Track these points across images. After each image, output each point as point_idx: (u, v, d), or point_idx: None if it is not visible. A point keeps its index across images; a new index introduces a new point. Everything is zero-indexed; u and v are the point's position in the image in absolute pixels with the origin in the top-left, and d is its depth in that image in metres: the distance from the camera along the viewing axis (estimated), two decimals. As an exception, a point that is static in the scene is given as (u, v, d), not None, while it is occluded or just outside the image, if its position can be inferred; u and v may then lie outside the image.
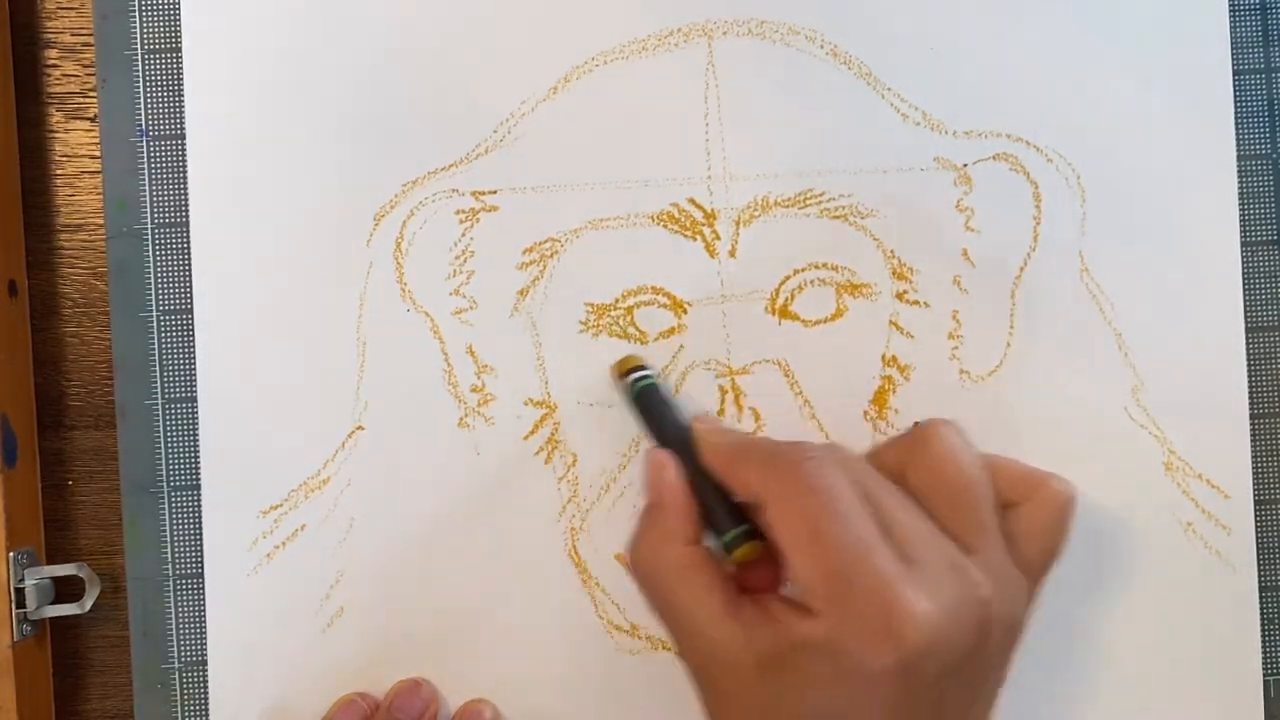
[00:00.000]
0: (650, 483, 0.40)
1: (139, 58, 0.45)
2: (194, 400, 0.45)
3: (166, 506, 0.45)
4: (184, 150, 0.45)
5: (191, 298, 0.45)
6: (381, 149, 0.45)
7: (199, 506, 0.44)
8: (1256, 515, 0.45)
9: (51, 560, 0.46)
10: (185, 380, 0.45)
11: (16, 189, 0.46)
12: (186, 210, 0.45)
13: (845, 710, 0.34)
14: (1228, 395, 0.45)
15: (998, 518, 0.37)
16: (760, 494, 0.36)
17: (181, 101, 0.45)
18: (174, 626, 0.45)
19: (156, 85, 0.45)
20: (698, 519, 0.39)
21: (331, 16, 0.45)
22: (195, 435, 0.44)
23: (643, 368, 0.43)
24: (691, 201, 0.45)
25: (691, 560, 0.38)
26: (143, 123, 0.45)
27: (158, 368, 0.45)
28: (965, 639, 0.34)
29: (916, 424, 0.39)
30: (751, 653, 0.35)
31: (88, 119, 0.46)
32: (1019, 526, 0.38)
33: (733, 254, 0.45)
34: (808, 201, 0.45)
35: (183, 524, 0.45)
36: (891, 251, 0.45)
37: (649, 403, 0.42)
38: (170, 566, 0.45)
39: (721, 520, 0.39)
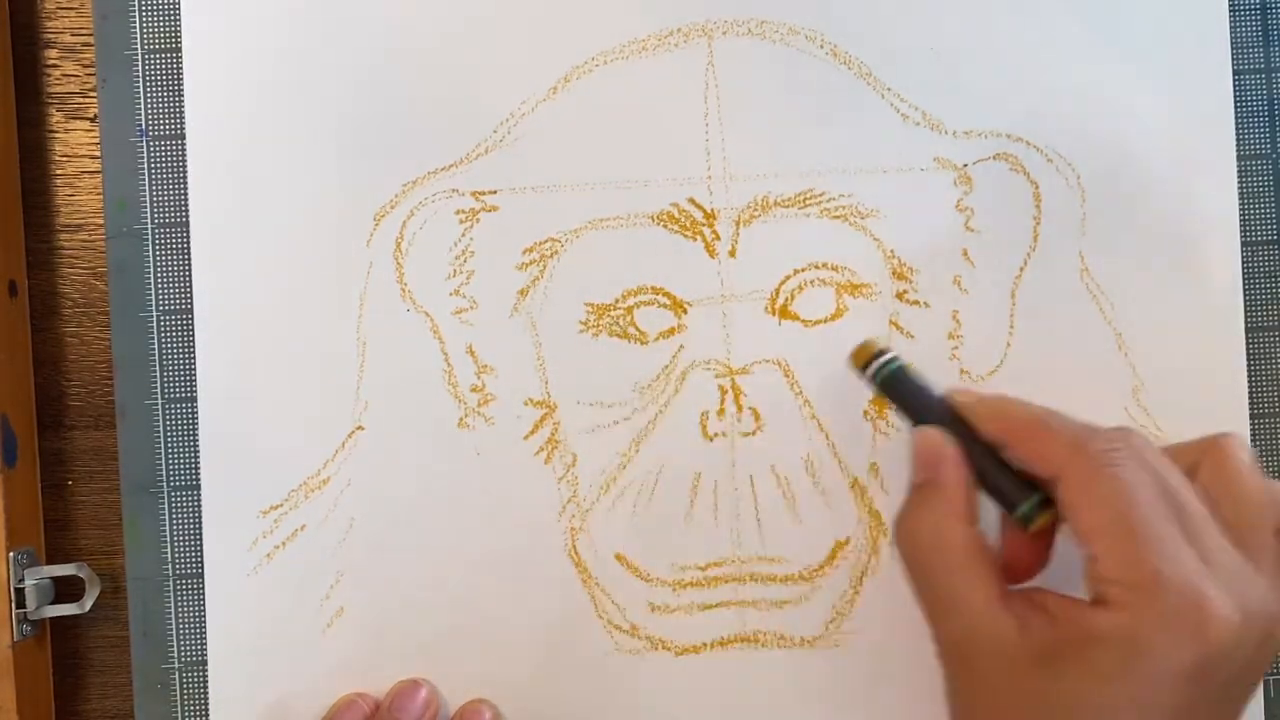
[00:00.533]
0: (925, 461, 0.39)
1: (139, 58, 0.45)
2: (194, 400, 0.45)
3: (166, 506, 0.45)
4: (184, 150, 0.45)
5: (191, 298, 0.45)
6: (381, 149, 0.45)
7: (199, 506, 0.44)
8: (1256, 515, 0.45)
9: (51, 560, 0.46)
10: (185, 380, 0.45)
11: (16, 189, 0.46)
12: (186, 210, 0.45)
13: (1127, 707, 0.33)
14: (1228, 395, 0.45)
15: (1277, 542, 0.37)
16: (1060, 472, 0.36)
17: (181, 101, 0.45)
18: (174, 626, 0.45)
19: (156, 85, 0.45)
20: (976, 499, 0.38)
21: (331, 16, 0.45)
22: (195, 435, 0.44)
23: (884, 351, 0.41)
24: (691, 201, 0.45)
25: (972, 544, 0.37)
26: (143, 123, 0.45)
27: (158, 368, 0.45)
28: (1254, 648, 0.34)
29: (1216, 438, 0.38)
30: (1027, 644, 0.35)
31: (88, 119, 0.46)
32: None
33: (733, 254, 0.45)
34: (808, 201, 0.45)
35: (183, 524, 0.45)
36: (891, 251, 0.45)
37: (902, 384, 0.40)
38: (170, 566, 0.45)
39: (1011, 490, 0.38)
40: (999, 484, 0.38)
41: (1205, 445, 0.38)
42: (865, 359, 0.41)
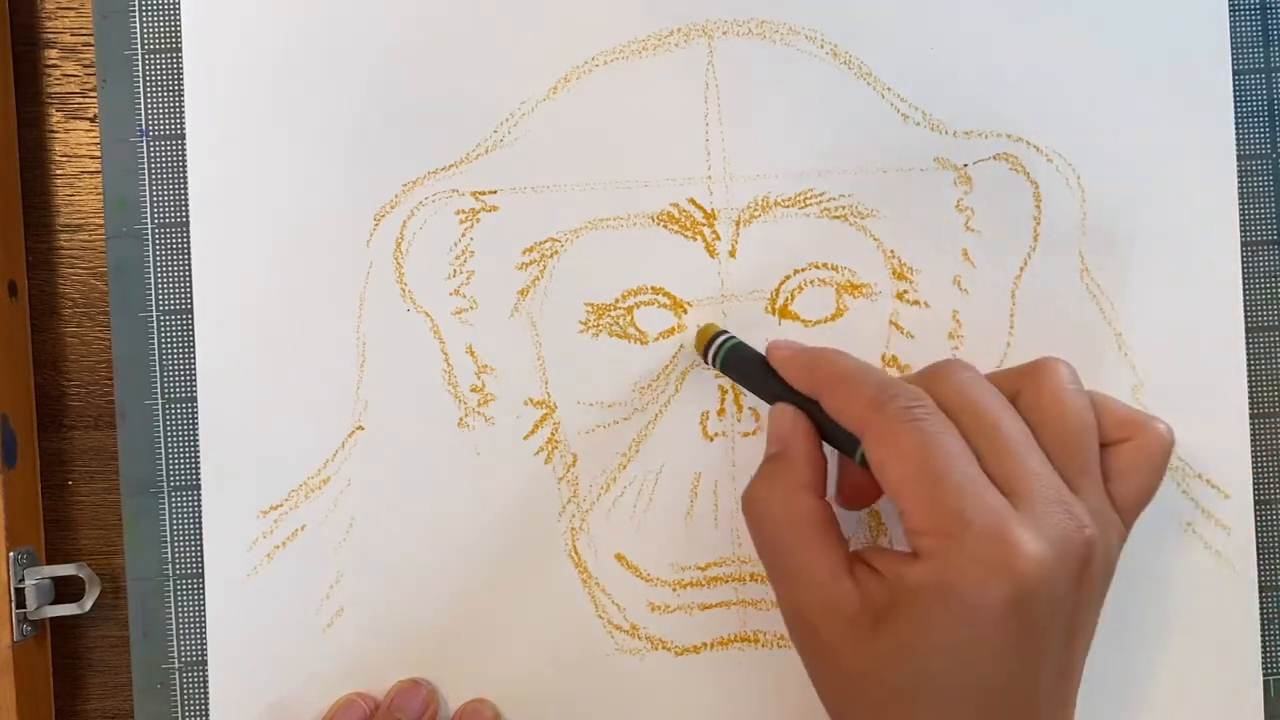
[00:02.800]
0: (775, 433, 0.40)
1: (139, 58, 0.45)
2: (194, 400, 0.45)
3: (166, 506, 0.45)
4: (184, 150, 0.45)
5: (191, 298, 0.45)
6: (381, 149, 0.45)
7: (199, 506, 0.44)
8: (1256, 515, 0.45)
9: (51, 560, 0.46)
10: (185, 380, 0.45)
11: (16, 189, 0.46)
12: (186, 210, 0.45)
13: (958, 652, 0.34)
14: (1228, 395, 0.45)
15: (1098, 462, 0.37)
16: (863, 429, 0.37)
17: (181, 101, 0.45)
18: (174, 626, 0.45)
19: (156, 85, 0.45)
20: (823, 471, 0.39)
21: (332, 17, 0.45)
22: (195, 435, 0.44)
23: (721, 332, 0.43)
24: (691, 201, 0.45)
25: (819, 515, 0.38)
26: (143, 123, 0.45)
27: (158, 368, 0.45)
28: (1071, 577, 0.34)
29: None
30: (868, 608, 0.35)
31: (88, 119, 0.46)
32: (1118, 465, 0.38)
33: (733, 254, 0.45)
34: (808, 201, 0.45)
35: (183, 524, 0.45)
36: (891, 251, 0.45)
37: (741, 361, 0.42)
38: (170, 566, 0.45)
39: (844, 439, 0.38)
40: (833, 432, 0.39)
41: (1027, 369, 0.39)
42: (705, 341, 0.43)
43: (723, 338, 0.43)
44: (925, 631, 0.34)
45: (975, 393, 0.37)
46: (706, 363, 0.43)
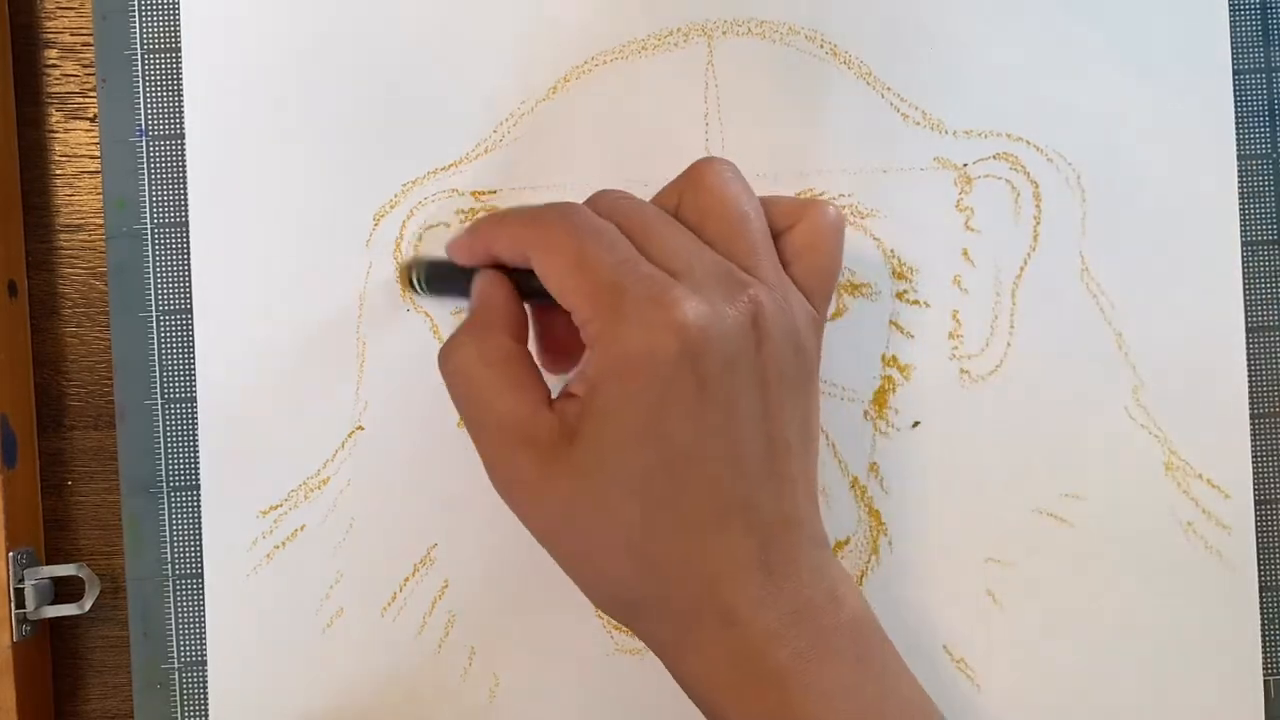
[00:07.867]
0: (475, 296, 0.39)
1: (139, 58, 0.45)
2: (194, 400, 0.45)
3: (166, 506, 0.45)
4: (184, 150, 0.45)
5: (191, 298, 0.45)
6: (381, 149, 0.45)
7: (199, 506, 0.44)
8: (1256, 515, 0.45)
9: (51, 560, 0.46)
10: (185, 380, 0.45)
11: (16, 189, 0.46)
12: (186, 210, 0.45)
13: (643, 424, 0.34)
14: (1228, 395, 0.45)
15: (771, 243, 0.38)
16: (526, 248, 0.37)
17: (181, 101, 0.45)
18: (174, 626, 0.45)
19: (156, 85, 0.45)
20: (524, 323, 0.38)
21: (331, 16, 0.45)
22: (195, 435, 0.44)
23: (411, 261, 0.43)
24: (691, 201, 0.45)
25: (519, 357, 0.37)
26: (143, 123, 0.45)
27: (158, 368, 0.45)
28: (740, 332, 0.35)
29: (694, 164, 0.39)
30: (565, 427, 0.35)
31: (88, 119, 0.46)
32: (792, 248, 0.38)
33: (733, 254, 0.45)
34: (808, 201, 0.45)
35: (183, 524, 0.45)
36: (891, 251, 0.45)
37: (438, 267, 0.41)
38: (170, 566, 0.45)
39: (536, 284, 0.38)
40: (529, 288, 0.38)
41: (683, 174, 0.39)
42: (406, 274, 0.43)
43: (416, 266, 0.42)
44: (609, 418, 0.34)
45: (629, 203, 0.38)
46: (417, 293, 0.43)
